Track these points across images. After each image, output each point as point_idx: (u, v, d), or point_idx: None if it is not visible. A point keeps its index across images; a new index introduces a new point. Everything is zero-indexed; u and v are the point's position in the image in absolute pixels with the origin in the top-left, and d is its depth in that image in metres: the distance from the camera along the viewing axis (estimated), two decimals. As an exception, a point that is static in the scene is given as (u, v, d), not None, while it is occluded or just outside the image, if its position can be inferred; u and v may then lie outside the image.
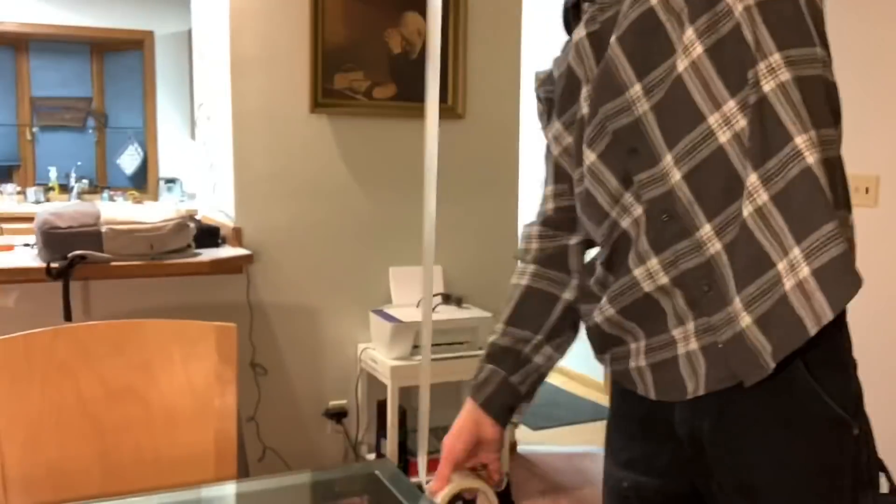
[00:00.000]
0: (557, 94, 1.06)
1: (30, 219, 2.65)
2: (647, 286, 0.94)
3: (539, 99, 1.12)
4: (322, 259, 2.96)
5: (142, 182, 5.75)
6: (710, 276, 0.90)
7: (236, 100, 2.79)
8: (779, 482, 0.91)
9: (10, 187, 5.24)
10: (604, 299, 1.01)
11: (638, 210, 0.95)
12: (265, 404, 2.88)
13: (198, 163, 3.52)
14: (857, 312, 3.58)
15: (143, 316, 1.40)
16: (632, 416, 1.07)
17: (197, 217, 3.05)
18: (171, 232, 2.45)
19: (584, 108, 0.99)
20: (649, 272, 0.94)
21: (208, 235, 2.72)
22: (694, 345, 0.93)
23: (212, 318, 1.40)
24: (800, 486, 0.91)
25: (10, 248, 2.61)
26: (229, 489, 1.32)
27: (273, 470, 2.82)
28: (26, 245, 2.63)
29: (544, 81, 1.11)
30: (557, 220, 1.14)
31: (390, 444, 2.74)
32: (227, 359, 1.37)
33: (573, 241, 1.13)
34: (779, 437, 0.91)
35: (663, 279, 0.93)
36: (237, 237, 2.81)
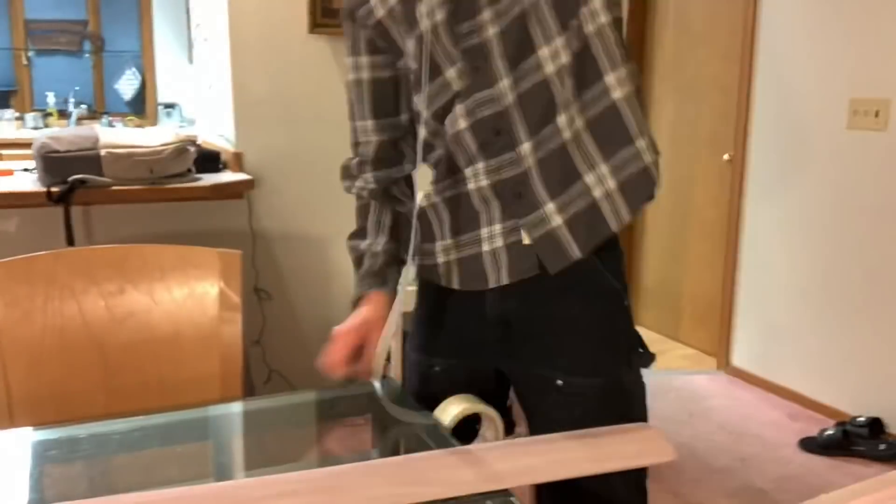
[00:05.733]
0: (386, 14, 1.11)
1: (28, 145, 2.62)
2: (471, 185, 1.10)
3: (364, 26, 1.15)
4: (324, 184, 2.92)
5: (140, 107, 5.67)
6: (523, 185, 1.07)
7: (233, 19, 2.72)
8: (575, 346, 1.12)
9: (7, 113, 5.17)
10: (431, 189, 1.16)
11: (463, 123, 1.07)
12: (270, 329, 2.91)
13: (197, 87, 3.46)
14: (868, 233, 3.55)
15: (146, 241, 1.39)
16: (440, 309, 1.22)
17: (197, 142, 3.01)
18: (171, 156, 2.42)
19: (426, 23, 1.05)
20: (475, 173, 1.09)
21: (209, 160, 2.69)
22: (499, 243, 1.10)
23: (213, 244, 1.39)
24: (592, 348, 1.12)
25: (9, 172, 2.59)
26: (235, 408, 1.34)
27: (279, 391, 2.86)
28: (26, 170, 2.60)
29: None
30: (385, 159, 1.24)
31: (395, 364, 2.77)
32: (231, 285, 1.37)
33: (402, 173, 1.25)
34: (574, 308, 1.12)
35: (484, 181, 1.08)
36: (238, 162, 2.78)
